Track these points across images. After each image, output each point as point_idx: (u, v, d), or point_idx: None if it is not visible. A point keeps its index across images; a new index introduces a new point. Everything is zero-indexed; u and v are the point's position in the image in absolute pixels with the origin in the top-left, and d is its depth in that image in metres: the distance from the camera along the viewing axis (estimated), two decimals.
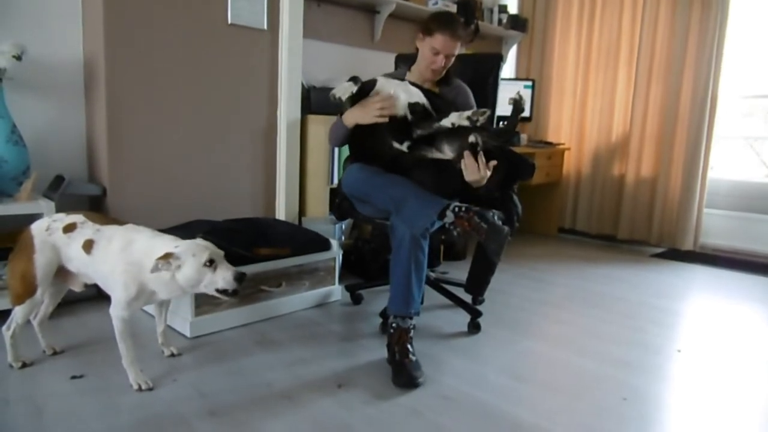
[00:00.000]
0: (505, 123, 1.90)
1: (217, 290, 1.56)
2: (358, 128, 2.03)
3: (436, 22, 2.06)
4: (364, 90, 1.99)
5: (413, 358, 1.81)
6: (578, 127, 4.32)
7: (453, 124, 1.94)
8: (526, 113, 4.10)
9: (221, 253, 1.59)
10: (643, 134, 3.96)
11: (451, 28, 2.04)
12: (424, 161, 1.94)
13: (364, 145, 2.08)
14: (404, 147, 1.97)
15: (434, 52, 2.07)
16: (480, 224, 1.76)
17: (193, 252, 1.53)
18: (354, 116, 2.03)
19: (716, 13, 3.58)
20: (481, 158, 1.83)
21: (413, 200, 1.83)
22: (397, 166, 1.96)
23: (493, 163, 1.85)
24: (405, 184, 1.89)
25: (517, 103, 1.92)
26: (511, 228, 2.10)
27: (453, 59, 2.12)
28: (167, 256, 1.50)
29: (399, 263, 1.85)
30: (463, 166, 1.85)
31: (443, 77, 2.18)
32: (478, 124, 1.91)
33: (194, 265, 1.52)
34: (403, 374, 1.75)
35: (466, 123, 1.92)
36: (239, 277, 1.55)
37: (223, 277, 1.54)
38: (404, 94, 2.00)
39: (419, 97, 2.01)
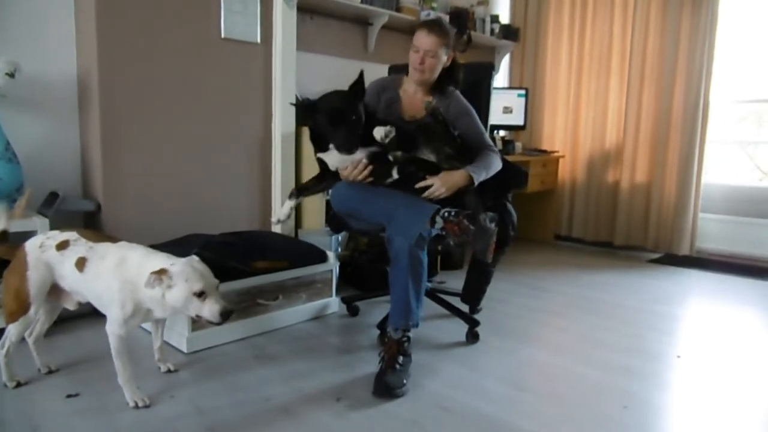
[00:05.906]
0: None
1: (201, 317, 1.53)
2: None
3: (419, 24, 2.16)
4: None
5: (398, 368, 1.79)
6: (572, 135, 4.34)
7: (381, 138, 1.88)
8: (520, 122, 4.12)
9: (215, 283, 1.55)
10: (636, 140, 3.98)
11: (428, 26, 2.09)
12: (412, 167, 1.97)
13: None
14: (395, 174, 1.96)
15: (414, 50, 2.10)
16: (468, 226, 1.77)
17: (186, 277, 1.49)
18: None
19: (706, 18, 3.61)
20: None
21: (403, 209, 1.84)
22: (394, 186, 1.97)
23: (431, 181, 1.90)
24: (394, 195, 1.90)
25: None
26: (507, 236, 2.11)
27: (435, 61, 2.09)
28: (161, 272, 1.49)
29: (397, 275, 1.84)
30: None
31: (437, 86, 2.18)
32: (386, 142, 1.88)
33: (184, 290, 1.49)
34: (382, 384, 1.74)
35: (380, 140, 1.89)
36: (225, 314, 1.51)
37: (210, 309, 1.50)
38: (361, 152, 1.92)
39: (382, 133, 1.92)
